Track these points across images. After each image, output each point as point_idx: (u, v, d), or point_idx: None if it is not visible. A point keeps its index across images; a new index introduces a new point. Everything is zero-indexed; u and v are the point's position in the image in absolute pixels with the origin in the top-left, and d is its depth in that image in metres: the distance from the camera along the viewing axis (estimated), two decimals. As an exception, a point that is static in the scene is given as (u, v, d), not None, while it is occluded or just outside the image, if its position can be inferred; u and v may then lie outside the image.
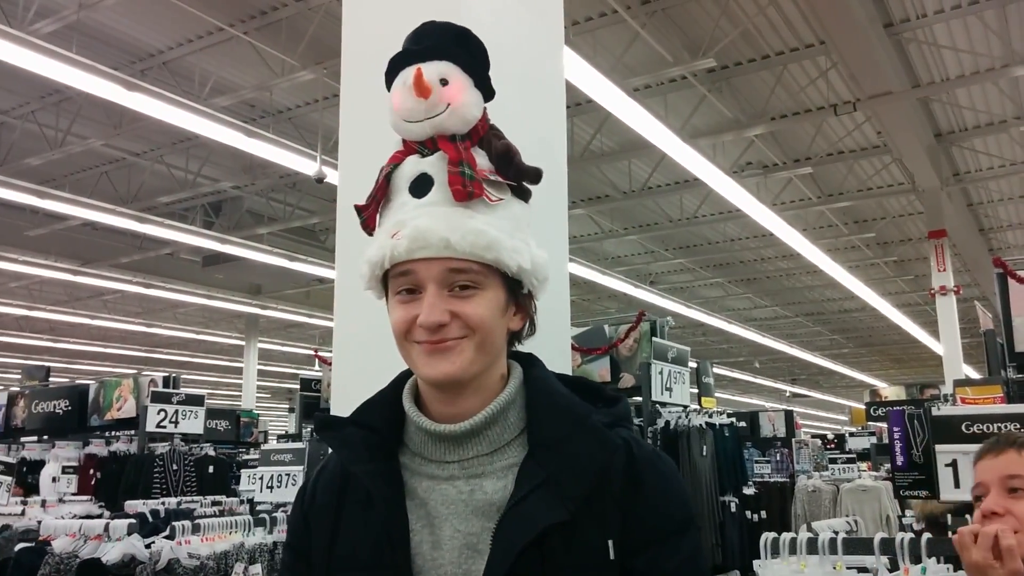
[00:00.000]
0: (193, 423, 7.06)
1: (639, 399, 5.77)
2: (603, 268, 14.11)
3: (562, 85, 2.11)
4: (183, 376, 9.04)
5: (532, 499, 0.99)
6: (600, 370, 6.30)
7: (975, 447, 2.67)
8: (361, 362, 1.86)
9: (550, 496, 0.99)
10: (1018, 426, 2.56)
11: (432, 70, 1.08)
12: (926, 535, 2.11)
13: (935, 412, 2.72)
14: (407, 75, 1.08)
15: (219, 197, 12.57)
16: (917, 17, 7.82)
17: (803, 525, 2.61)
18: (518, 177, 1.11)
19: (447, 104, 1.08)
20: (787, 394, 28.17)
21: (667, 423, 5.63)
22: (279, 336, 20.83)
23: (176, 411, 6.93)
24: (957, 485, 2.59)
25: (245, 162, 10.81)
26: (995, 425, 2.61)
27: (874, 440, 10.53)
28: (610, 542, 1.01)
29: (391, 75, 1.13)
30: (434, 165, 1.07)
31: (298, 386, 8.38)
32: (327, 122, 9.26)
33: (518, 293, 1.09)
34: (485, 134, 1.12)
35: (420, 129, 1.09)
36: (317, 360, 9.38)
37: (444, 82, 1.08)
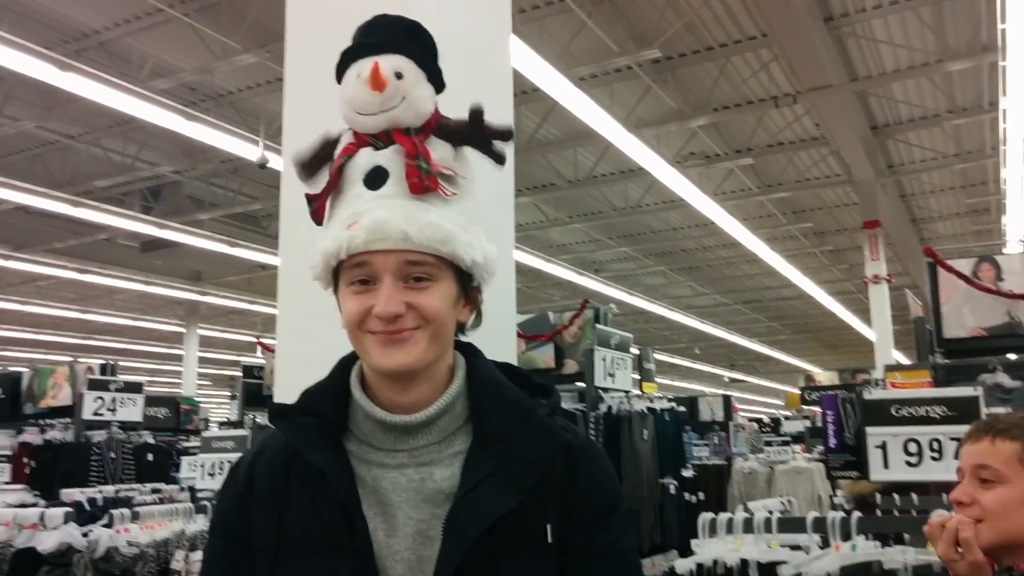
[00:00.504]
0: (131, 411, 6.92)
1: (582, 385, 5.84)
2: (548, 256, 14.20)
3: (509, 73, 2.12)
4: (121, 363, 8.80)
5: (482, 489, 1.03)
6: (544, 357, 6.36)
7: (904, 429, 2.79)
8: (305, 349, 1.85)
9: (499, 486, 1.03)
10: (945, 409, 2.68)
11: (387, 64, 1.08)
12: (856, 514, 2.20)
13: (866, 396, 2.83)
14: (362, 68, 1.09)
15: (158, 182, 12.25)
16: (856, 12, 8.02)
17: (739, 505, 2.69)
18: (493, 137, 1.13)
19: (402, 97, 1.09)
20: (726, 379, 28.78)
21: (609, 408, 5.71)
22: (220, 323, 20.45)
23: (114, 398, 6.78)
24: (886, 466, 2.69)
25: (185, 146, 10.55)
26: (923, 408, 2.73)
27: (808, 424, 10.85)
28: (548, 527, 1.05)
29: (343, 68, 1.13)
30: (389, 158, 1.08)
31: (240, 373, 8.25)
32: (270, 106, 9.10)
33: (468, 286, 1.12)
34: (437, 126, 1.13)
35: (374, 122, 1.09)
36: (259, 347, 9.25)
37: (399, 76, 1.08)
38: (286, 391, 1.78)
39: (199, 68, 8.58)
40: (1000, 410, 3.98)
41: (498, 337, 1.90)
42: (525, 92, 8.68)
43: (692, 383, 28.82)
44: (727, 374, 28.43)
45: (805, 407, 11.41)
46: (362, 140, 1.12)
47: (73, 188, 10.94)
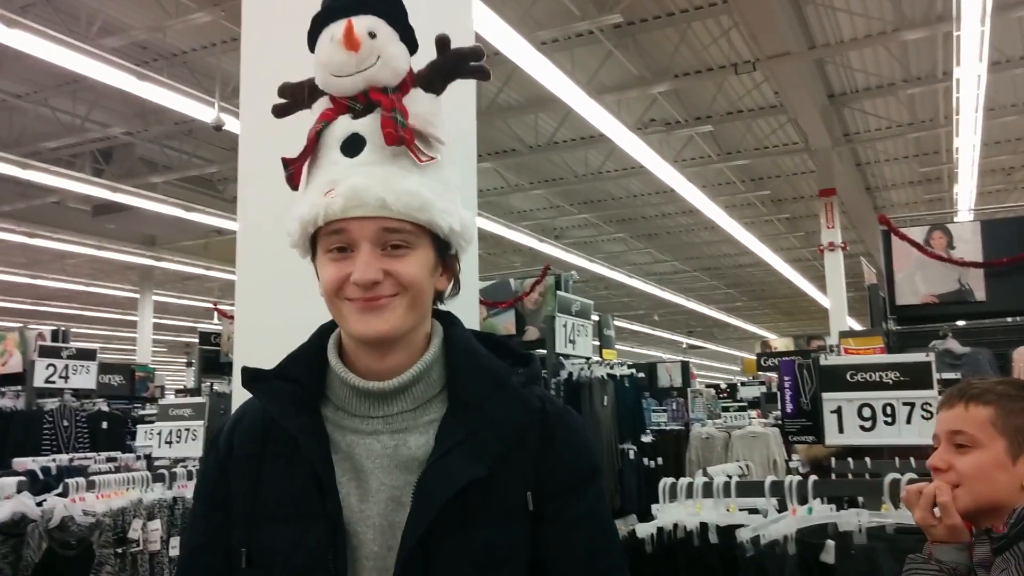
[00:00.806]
0: (85, 378, 6.80)
1: (543, 351, 5.87)
2: (509, 222, 14.16)
3: (471, 37, 2.08)
4: (73, 330, 8.60)
5: (453, 456, 1.04)
6: (505, 323, 6.37)
7: (858, 395, 2.85)
8: (265, 315, 1.82)
9: (470, 453, 1.04)
10: (898, 375, 2.75)
11: (361, 24, 1.08)
12: (812, 478, 2.24)
13: (823, 362, 2.88)
14: (335, 29, 1.08)
15: (109, 143, 11.90)
16: (815, -20, 8.05)
17: (699, 470, 2.73)
18: (465, 59, 1.13)
19: (377, 56, 1.09)
20: (684, 346, 29.19)
21: (570, 374, 5.75)
22: (175, 289, 20.08)
23: (66, 366, 6.64)
24: (841, 431, 2.76)
25: (137, 107, 10.25)
26: (877, 374, 2.79)
27: (764, 389, 11.06)
28: (528, 494, 1.07)
29: (314, 34, 1.12)
30: (367, 126, 1.08)
31: (197, 340, 8.13)
32: (225, 67, 8.86)
33: (445, 254, 1.12)
34: (414, 83, 1.13)
35: (352, 83, 1.09)
36: (217, 313, 9.11)
37: (372, 35, 1.08)
38: (246, 357, 1.74)
39: (151, 26, 8.31)
40: (950, 376, 4.09)
41: (460, 304, 1.88)
42: (486, 56, 8.57)
43: (651, 350, 29.21)
44: (685, 340, 28.83)
45: (761, 373, 11.62)
46: (340, 106, 1.11)
47: (21, 149, 10.57)
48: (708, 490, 2.30)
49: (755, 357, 12.89)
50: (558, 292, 6.06)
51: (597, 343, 7.48)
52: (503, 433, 1.07)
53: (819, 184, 12.54)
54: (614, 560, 1.12)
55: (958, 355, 4.72)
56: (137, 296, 18.55)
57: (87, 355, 6.90)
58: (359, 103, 1.10)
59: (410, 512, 1.02)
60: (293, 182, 1.12)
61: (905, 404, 2.81)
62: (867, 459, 2.85)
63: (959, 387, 1.42)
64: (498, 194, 14.39)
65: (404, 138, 1.06)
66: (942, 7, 8.30)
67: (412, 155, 1.07)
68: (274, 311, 1.73)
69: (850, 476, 2.71)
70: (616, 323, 8.18)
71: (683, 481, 2.29)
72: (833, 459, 2.86)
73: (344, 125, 1.09)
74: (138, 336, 18.17)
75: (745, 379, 13.72)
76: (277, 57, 1.80)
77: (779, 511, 2.21)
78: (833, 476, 2.66)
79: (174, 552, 3.14)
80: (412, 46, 1.15)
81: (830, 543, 2.05)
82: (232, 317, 7.89)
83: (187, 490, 3.30)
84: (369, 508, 1.05)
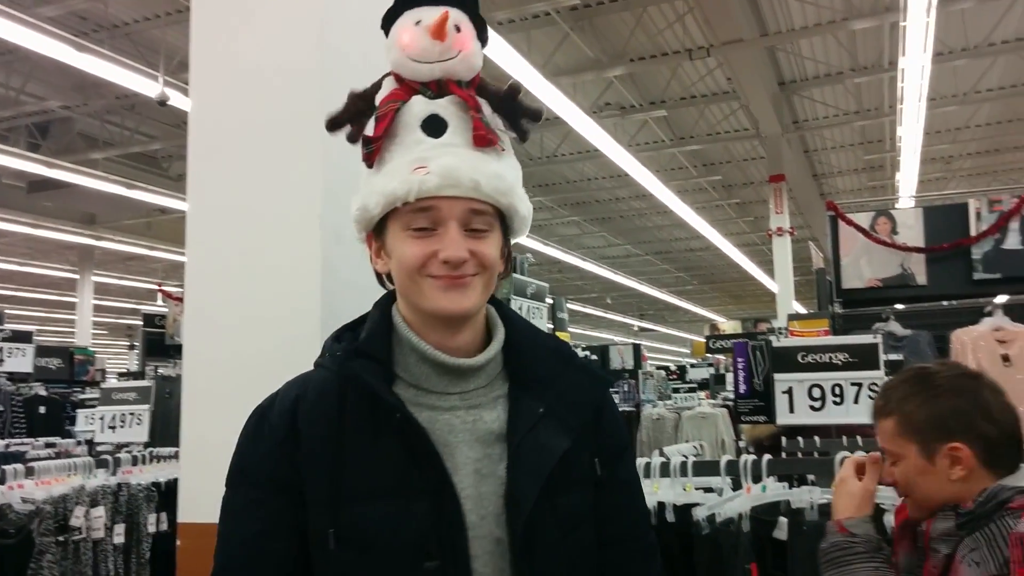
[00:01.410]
0: (21, 361, 6.60)
1: (498, 334, 5.86)
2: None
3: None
4: (7, 311, 8.32)
5: (541, 429, 1.10)
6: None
7: (809, 376, 2.90)
8: (215, 296, 1.76)
9: (554, 426, 1.11)
10: (846, 356, 2.80)
11: (452, 16, 1.11)
12: (767, 457, 2.28)
13: (775, 344, 2.93)
14: (424, 15, 1.11)
15: (46, 117, 11.48)
16: (768, -33, 8.12)
17: (655, 451, 2.76)
18: (523, 115, 1.16)
19: (458, 51, 1.12)
20: (635, 328, 29.51)
21: (525, 357, 5.75)
22: (117, 269, 19.55)
23: (1, 348, 6.41)
24: (792, 411, 2.80)
25: (76, 80, 9.89)
26: (826, 355, 2.84)
27: (712, 371, 11.24)
28: (596, 460, 1.16)
29: (397, 11, 1.14)
30: (445, 108, 1.11)
31: (140, 322, 7.92)
32: (171, 40, 8.60)
33: (507, 238, 1.16)
34: (480, 83, 1.16)
35: (429, 70, 1.12)
36: (161, 295, 8.88)
37: (458, 28, 1.12)
38: (196, 339, 1.69)
39: (91, -4, 8.02)
40: (893, 357, 4.20)
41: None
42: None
43: (603, 332, 29.45)
44: (637, 323, 29.14)
45: (710, 355, 11.80)
46: (409, 88, 1.13)
47: (-50, 122, 10.17)
48: (665, 470, 2.33)
49: (704, 340, 13.09)
50: (514, 275, 6.04)
51: (551, 326, 7.50)
52: (580, 406, 1.16)
53: (769, 170, 12.74)
54: (648, 520, 1.29)
55: (900, 337, 4.85)
56: (76, 276, 17.99)
57: (23, 337, 6.70)
58: (430, 90, 1.12)
59: (515, 483, 1.07)
60: (371, 159, 1.12)
61: (853, 384, 2.87)
62: (816, 438, 2.91)
63: (879, 403, 1.44)
64: (451, 176, 14.29)
65: (491, 140, 1.10)
66: (890, -3, 8.46)
67: (496, 142, 1.11)
68: (225, 292, 1.68)
69: (800, 455, 2.76)
70: (569, 306, 8.22)
71: (641, 460, 2.30)
72: (783, 438, 2.91)
73: (422, 105, 1.11)
74: (77, 318, 17.66)
75: (695, 361, 13.92)
76: (228, 30, 1.75)
77: (734, 489, 2.24)
78: (783, 455, 2.71)
79: (119, 539, 3.05)
80: (484, 44, 1.18)
81: (783, 520, 2.09)
82: (178, 299, 7.70)
83: (132, 476, 3.21)
84: (460, 480, 1.07)
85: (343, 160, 1.63)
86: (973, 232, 4.93)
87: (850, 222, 5.27)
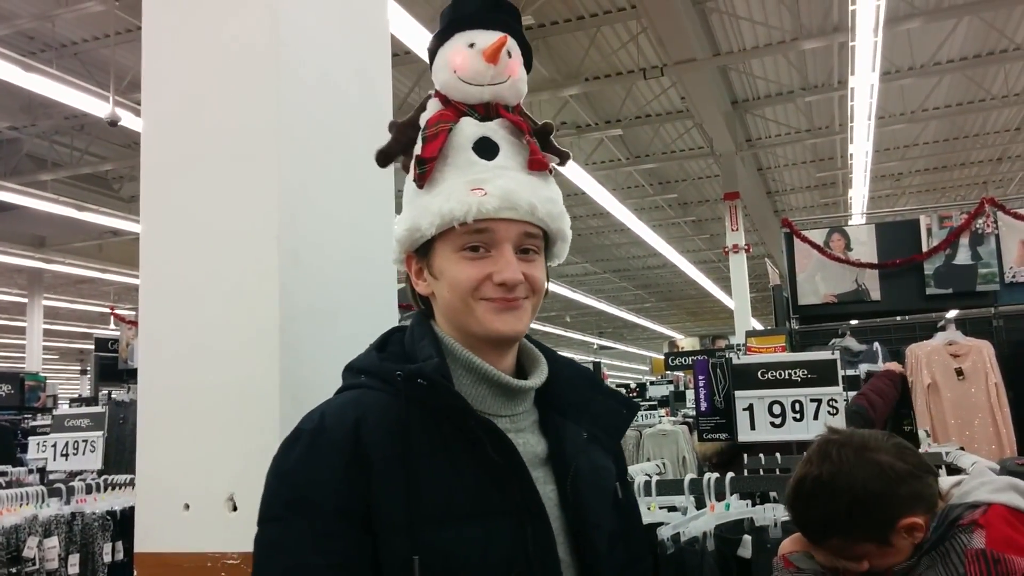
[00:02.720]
0: (-33, 389, 6.36)
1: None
2: (421, 223, 14.04)
3: (387, 35, 2.03)
4: (-48, 338, 8.05)
5: (591, 452, 1.13)
6: (420, 326, 6.30)
7: (769, 392, 2.92)
8: (170, 320, 1.71)
9: (600, 449, 1.15)
10: (805, 372, 2.83)
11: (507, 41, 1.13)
12: (730, 475, 2.28)
13: (735, 361, 2.94)
14: (478, 38, 1.12)
15: (-8, 138, 11.22)
16: (720, -11, 8.28)
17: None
18: (554, 153, 1.20)
19: (509, 76, 1.13)
20: (595, 347, 29.62)
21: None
22: (68, 293, 19.07)
23: (-55, 377, 6.20)
24: (753, 427, 2.81)
25: (24, 100, 9.69)
26: (786, 372, 2.86)
27: (672, 388, 11.30)
28: (617, 484, 1.19)
29: (448, 32, 1.16)
30: (496, 131, 1.12)
31: (92, 346, 7.73)
32: (120, 59, 8.45)
33: (548, 262, 1.18)
34: (520, 111, 1.18)
35: (479, 93, 1.12)
36: (114, 318, 8.69)
37: (509, 54, 1.13)
38: (151, 364, 1.64)
39: (38, 15, 7.86)
40: (850, 372, 4.25)
41: (379, 305, 1.84)
42: (397, 55, 8.47)
43: (563, 350, 29.45)
44: (596, 341, 29.26)
45: (669, 372, 11.87)
46: (457, 109, 1.13)
47: None
48: (628, 490, 2.31)
49: (663, 357, 13.17)
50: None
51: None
52: (615, 430, 1.21)
53: (723, 188, 12.93)
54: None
55: (856, 352, 4.93)
56: (25, 300, 17.52)
57: (-31, 364, 6.46)
58: (477, 113, 1.13)
59: (586, 504, 1.09)
60: (424, 179, 1.11)
61: (812, 400, 2.89)
62: (777, 455, 2.93)
63: (809, 532, 1.41)
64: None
65: (546, 165, 1.12)
66: (838, 18, 8.68)
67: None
68: (180, 316, 1.63)
69: (762, 472, 2.77)
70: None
71: (603, 482, 2.29)
72: (746, 455, 2.92)
73: (473, 127, 1.11)
74: (27, 343, 17.16)
75: (654, 378, 13.99)
76: (179, 49, 1.71)
77: (697, 508, 2.24)
78: (748, 469, 2.72)
79: (73, 570, 2.96)
80: (528, 71, 1.20)
81: (747, 538, 2.09)
82: (131, 322, 7.53)
83: (86, 504, 3.11)
84: None
85: (300, 181, 1.61)
86: (925, 248, 5.05)
87: (805, 239, 5.37)
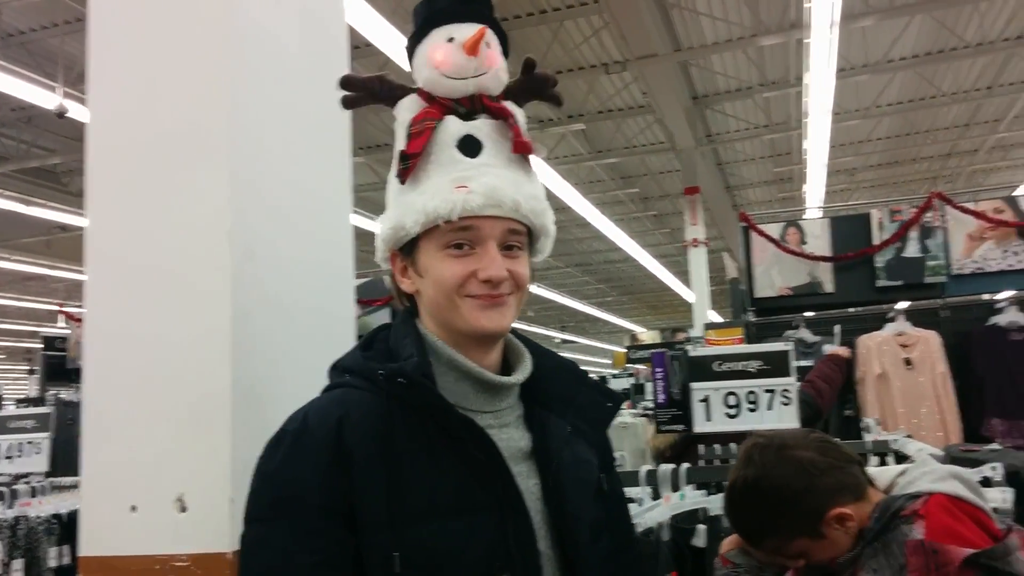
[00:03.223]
0: (-90, 390, 6.17)
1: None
2: (382, 218, 13.94)
3: (344, 26, 2.00)
4: None
5: (575, 445, 1.15)
6: (380, 322, 6.25)
7: (725, 384, 2.96)
8: (118, 318, 1.68)
9: (583, 442, 1.17)
10: (760, 363, 2.87)
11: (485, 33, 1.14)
12: (685, 465, 2.31)
13: (692, 353, 2.97)
14: (456, 32, 1.13)
15: (-65, 130, 10.87)
16: (679, -15, 8.34)
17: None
18: (547, 83, 1.22)
19: (490, 66, 1.14)
20: (557, 341, 29.69)
21: (447, 371, 5.70)
22: (14, 290, 18.58)
23: None
24: (709, 419, 2.84)
25: (-33, 90, 9.40)
26: (741, 363, 2.90)
27: (633, 381, 11.40)
28: (602, 476, 1.21)
29: (426, 28, 1.16)
30: (479, 129, 1.12)
31: (40, 345, 7.54)
32: (68, 49, 8.25)
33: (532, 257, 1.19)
34: (503, 96, 1.19)
35: (463, 87, 1.13)
36: (62, 316, 8.49)
37: (488, 45, 1.14)
38: (97, 363, 1.61)
39: (-17, 3, 7.63)
40: (804, 363, 4.33)
41: (336, 301, 1.82)
42: (358, 47, 8.39)
43: (524, 344, 29.54)
44: (559, 336, 29.35)
45: (630, 365, 11.96)
46: (442, 105, 1.14)
47: None
48: (586, 483, 2.32)
49: (624, 350, 13.27)
50: (433, 289, 6.00)
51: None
52: (598, 425, 1.22)
53: (684, 182, 13.05)
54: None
55: (810, 344, 5.02)
56: (-28, 298, 17.06)
57: (-87, 363, 6.27)
58: (463, 106, 1.14)
59: (568, 497, 1.10)
60: (407, 175, 1.11)
61: (767, 391, 2.93)
62: (732, 445, 2.97)
63: (735, 538, 1.45)
64: (372, 189, 14.12)
65: (530, 147, 1.13)
66: (795, 15, 8.79)
67: (527, 162, 1.14)
68: (127, 313, 1.60)
69: (717, 462, 2.81)
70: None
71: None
72: (701, 446, 2.95)
73: (456, 125, 1.12)
74: (-26, 341, 16.72)
75: (616, 372, 14.09)
76: (128, 39, 1.67)
77: (654, 499, 2.26)
78: (703, 461, 2.75)
79: None
80: (506, 57, 1.21)
81: (701, 527, 2.11)
82: (80, 320, 7.37)
83: (31, 508, 3.04)
84: None
85: (254, 174, 1.58)
86: (876, 241, 5.15)
87: (761, 232, 5.44)
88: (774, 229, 5.44)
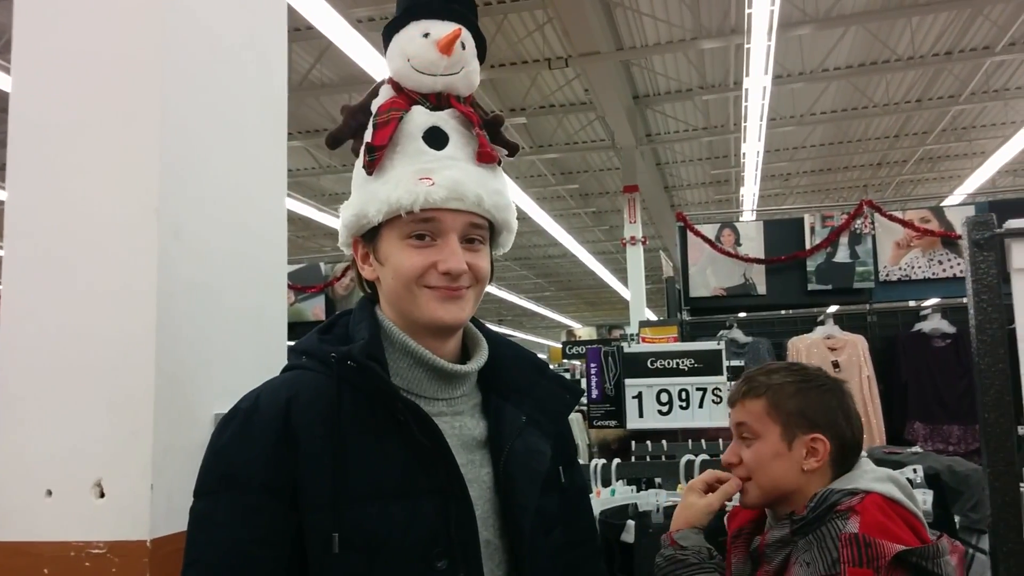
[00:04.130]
0: None
1: (355, 338, 5.73)
2: (320, 204, 13.74)
3: (283, 7, 1.96)
4: None
5: (527, 436, 1.14)
6: (314, 309, 6.17)
7: (657, 380, 3.00)
8: (37, 295, 1.61)
9: (537, 433, 1.16)
10: (692, 362, 2.92)
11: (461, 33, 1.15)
12: (616, 461, 2.33)
13: (626, 350, 3.01)
14: (432, 28, 1.13)
15: None
16: (625, -16, 8.40)
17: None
18: (503, 145, 1.23)
19: (462, 67, 1.15)
20: (494, 333, 29.75)
21: (382, 362, 5.66)
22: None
23: None
24: (641, 415, 2.89)
25: None
26: (673, 361, 2.95)
27: (569, 376, 11.49)
28: (560, 468, 1.23)
29: (402, 21, 1.16)
30: (446, 122, 1.14)
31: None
32: (-4, 16, 7.89)
33: (493, 251, 1.21)
34: (472, 102, 1.21)
35: (432, 83, 1.14)
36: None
37: (463, 45, 1.15)
38: (14, 342, 1.54)
39: (-100, -38, 7.22)
40: (736, 363, 4.42)
41: (267, 287, 1.78)
42: (299, 29, 8.23)
43: (461, 336, 29.50)
44: (496, 329, 29.41)
45: (566, 360, 12.05)
46: (408, 97, 1.14)
47: None
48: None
49: (560, 345, 13.36)
50: (370, 279, 5.94)
51: (408, 330, 7.42)
52: (555, 416, 1.21)
53: (623, 181, 13.19)
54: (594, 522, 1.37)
55: (742, 344, 5.13)
56: None
57: None
58: (429, 102, 1.14)
59: (517, 486, 1.10)
60: (373, 167, 1.12)
61: (698, 389, 2.99)
62: (663, 442, 3.01)
63: (740, 382, 1.49)
64: (309, 174, 13.91)
65: (495, 158, 1.15)
66: (735, 20, 8.95)
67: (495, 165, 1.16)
68: (48, 291, 1.53)
69: (648, 459, 2.85)
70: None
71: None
72: (633, 442, 2.99)
73: (423, 116, 1.13)
74: None
75: (552, 367, 14.17)
76: (56, 11, 1.60)
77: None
78: (633, 458, 2.78)
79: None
80: (482, 62, 1.21)
81: (630, 523, 2.14)
82: None
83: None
84: None
85: (184, 151, 1.53)
86: (808, 245, 5.29)
87: (697, 233, 5.53)
88: (710, 230, 5.54)
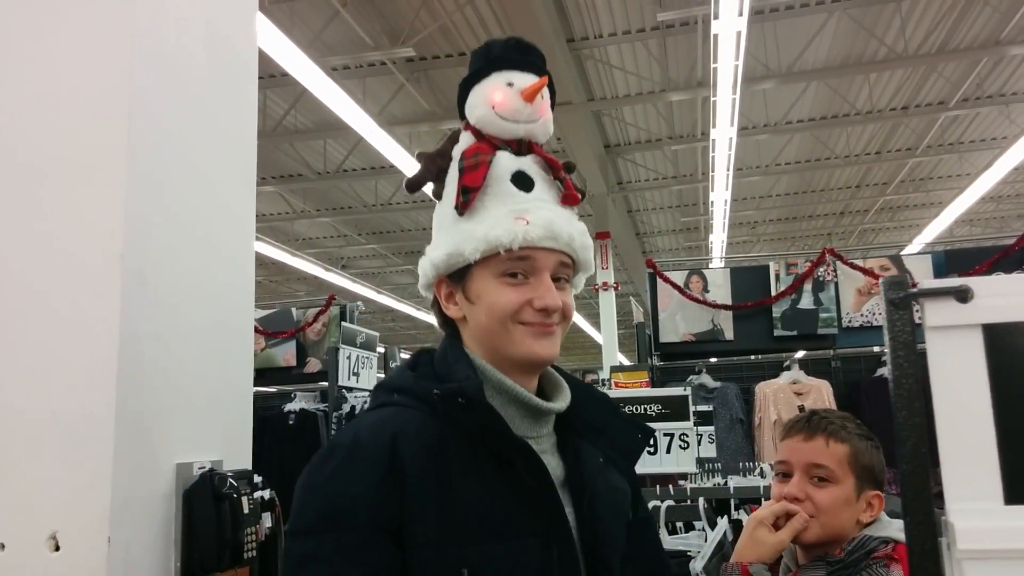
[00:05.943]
0: None
1: (325, 384, 5.69)
2: (293, 249, 13.70)
3: (255, 53, 1.98)
4: None
5: (610, 475, 1.17)
6: (285, 354, 6.12)
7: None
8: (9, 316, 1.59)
9: (615, 471, 1.19)
10: (660, 407, 2.94)
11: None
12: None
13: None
14: (518, 79, 1.19)
15: None
16: (594, 36, 8.61)
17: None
18: (568, 188, 1.24)
19: (541, 116, 1.20)
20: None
21: (353, 408, 5.61)
22: None
23: None
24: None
25: None
26: (643, 406, 2.96)
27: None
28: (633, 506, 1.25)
29: (487, 70, 1.21)
30: (529, 166, 1.18)
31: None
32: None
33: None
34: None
35: (513, 129, 1.19)
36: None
37: (542, 96, 1.20)
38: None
39: None
40: (704, 408, 4.45)
41: (234, 332, 1.77)
42: (273, 76, 8.31)
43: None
44: (467, 373, 29.29)
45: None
46: (491, 144, 1.19)
47: None
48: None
49: (533, 390, 13.30)
50: (343, 323, 5.91)
51: (381, 375, 7.37)
52: (631, 453, 1.24)
53: (595, 227, 13.30)
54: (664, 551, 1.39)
55: (711, 389, 5.17)
56: None
57: None
58: (511, 147, 1.19)
59: (603, 526, 1.11)
60: (467, 207, 1.14)
61: (666, 435, 3.01)
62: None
63: (816, 419, 1.51)
64: (282, 219, 13.90)
65: (579, 201, 1.20)
66: (702, 74, 9.19)
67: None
68: (5, 334, 1.52)
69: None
70: (403, 355, 8.11)
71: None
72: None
73: (509, 160, 1.17)
74: None
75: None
76: (24, 53, 1.61)
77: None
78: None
79: None
80: (552, 109, 1.25)
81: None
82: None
83: None
84: None
85: (150, 196, 1.53)
86: (773, 292, 5.37)
87: (667, 279, 5.59)
88: (679, 276, 5.61)
